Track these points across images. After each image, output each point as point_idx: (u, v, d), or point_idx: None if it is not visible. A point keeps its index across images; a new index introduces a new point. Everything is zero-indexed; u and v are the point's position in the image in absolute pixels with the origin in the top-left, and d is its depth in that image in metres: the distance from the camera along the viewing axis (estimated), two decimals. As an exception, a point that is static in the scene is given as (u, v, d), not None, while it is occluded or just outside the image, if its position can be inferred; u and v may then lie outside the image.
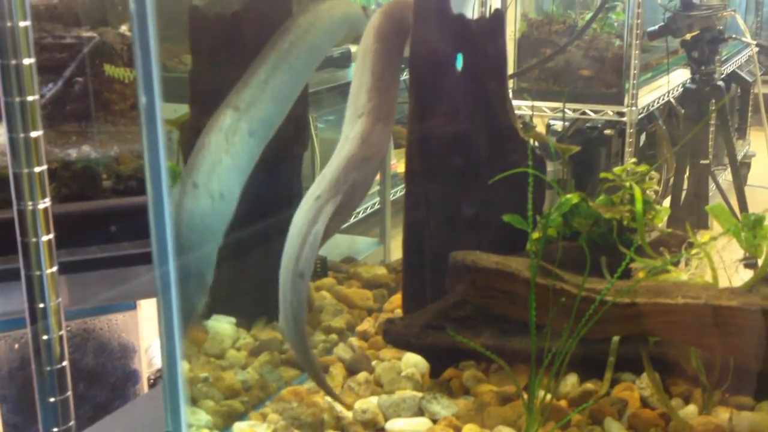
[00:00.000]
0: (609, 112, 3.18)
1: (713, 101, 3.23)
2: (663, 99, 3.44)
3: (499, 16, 1.18)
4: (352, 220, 3.21)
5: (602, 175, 1.25)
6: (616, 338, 1.15)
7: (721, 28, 3.29)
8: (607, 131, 3.26)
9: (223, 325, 1.36)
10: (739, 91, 4.45)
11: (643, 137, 3.51)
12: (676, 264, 1.18)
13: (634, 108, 3.12)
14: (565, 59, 3.28)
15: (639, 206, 1.16)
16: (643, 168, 1.24)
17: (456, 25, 1.20)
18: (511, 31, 3.34)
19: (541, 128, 3.53)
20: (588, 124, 3.42)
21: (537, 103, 3.27)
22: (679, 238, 1.21)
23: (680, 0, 3.18)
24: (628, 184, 1.21)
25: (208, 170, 1.10)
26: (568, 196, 1.24)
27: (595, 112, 3.20)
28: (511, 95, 3.56)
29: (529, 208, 1.08)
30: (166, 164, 0.89)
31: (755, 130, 4.44)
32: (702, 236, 1.17)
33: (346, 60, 3.03)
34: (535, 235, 1.19)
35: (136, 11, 0.85)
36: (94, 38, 2.02)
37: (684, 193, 3.28)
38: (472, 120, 1.24)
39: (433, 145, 1.26)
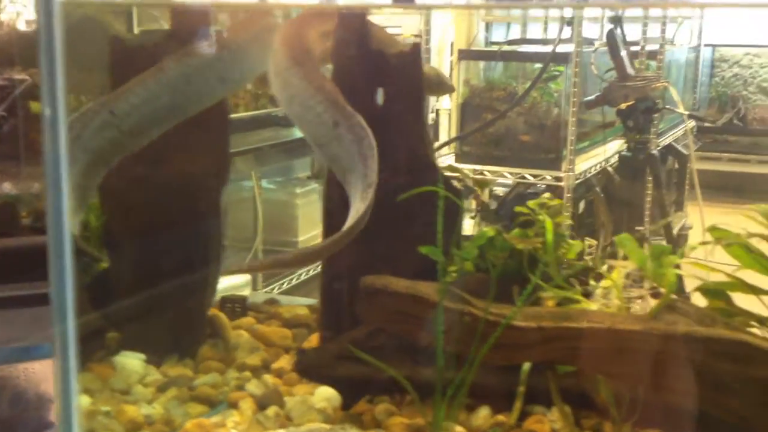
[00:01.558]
0: (547, 176, 3.24)
1: (648, 169, 3.33)
2: (600, 166, 3.53)
3: (416, 50, 1.21)
4: (295, 281, 3.19)
5: (516, 209, 1.27)
6: (525, 368, 1.14)
7: (657, 99, 3.43)
8: (546, 195, 3.32)
9: (131, 360, 1.31)
10: (676, 164, 4.60)
11: (582, 204, 3.59)
12: (588, 296, 1.19)
13: (571, 173, 3.19)
14: (506, 125, 3.37)
15: (549, 237, 1.17)
16: (556, 202, 1.26)
17: (375, 59, 1.22)
18: (455, 96, 3.43)
19: (484, 193, 3.60)
20: (530, 190, 3.49)
21: (479, 167, 3.33)
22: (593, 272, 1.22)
23: (616, 71, 3.32)
24: (540, 217, 1.23)
25: (128, 108, 1.15)
26: (484, 229, 1.25)
27: (534, 176, 3.27)
28: (453, 159, 3.62)
29: (439, 238, 1.09)
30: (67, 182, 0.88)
31: (692, 204, 4.58)
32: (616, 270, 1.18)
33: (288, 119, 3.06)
34: (453, 267, 1.20)
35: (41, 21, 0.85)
36: (26, 80, 2.02)
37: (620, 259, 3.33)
38: (390, 153, 1.25)
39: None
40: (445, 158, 3.45)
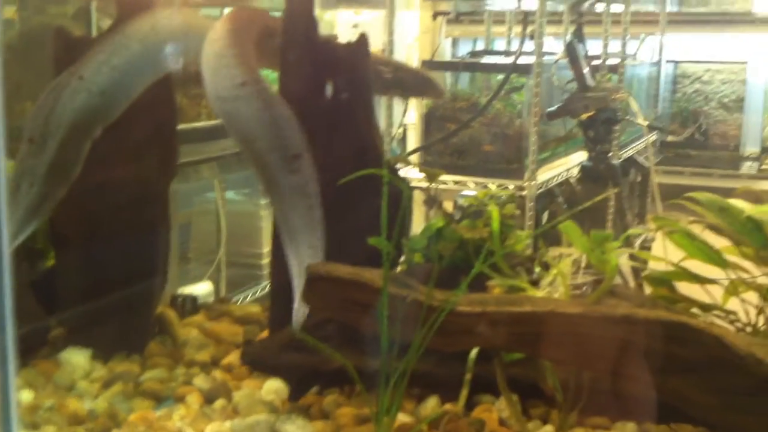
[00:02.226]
0: (510, 186, 3.27)
1: (609, 179, 3.37)
2: (562, 176, 3.57)
3: (364, 41, 1.22)
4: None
5: (465, 200, 1.27)
6: (473, 355, 1.14)
7: (617, 110, 3.48)
8: (510, 205, 3.34)
9: (76, 356, 1.29)
10: (639, 177, 4.66)
11: (545, 215, 3.62)
12: (535, 284, 1.20)
13: (533, 183, 3.21)
14: (469, 135, 3.39)
15: (495, 225, 1.18)
16: (505, 192, 1.27)
17: (323, 50, 1.23)
18: (419, 106, 3.45)
19: (448, 203, 3.61)
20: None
21: (443, 177, 3.34)
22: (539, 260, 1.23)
23: (576, 82, 3.36)
24: (489, 207, 1.23)
25: (95, 66, 1.14)
26: (433, 221, 1.26)
27: (497, 186, 3.29)
28: (418, 170, 3.62)
29: (383, 227, 1.09)
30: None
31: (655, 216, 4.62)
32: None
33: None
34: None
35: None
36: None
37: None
38: (339, 145, 1.25)
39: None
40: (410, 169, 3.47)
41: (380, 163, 1.25)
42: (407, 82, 1.55)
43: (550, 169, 3.61)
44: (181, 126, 2.68)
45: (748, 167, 5.36)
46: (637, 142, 4.41)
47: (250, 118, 1.08)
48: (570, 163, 3.66)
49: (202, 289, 2.06)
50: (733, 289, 1.20)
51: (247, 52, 1.11)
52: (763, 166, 5.19)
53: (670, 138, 5.48)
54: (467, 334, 1.06)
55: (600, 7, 3.91)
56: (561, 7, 4.21)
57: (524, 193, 3.23)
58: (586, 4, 3.56)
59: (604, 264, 1.09)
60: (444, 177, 3.45)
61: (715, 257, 1.16)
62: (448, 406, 1.15)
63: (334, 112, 1.22)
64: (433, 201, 3.32)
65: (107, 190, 1.31)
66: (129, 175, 1.29)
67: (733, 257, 1.18)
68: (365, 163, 1.25)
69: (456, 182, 3.35)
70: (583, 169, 3.42)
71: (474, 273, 1.04)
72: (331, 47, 1.21)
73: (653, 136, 4.74)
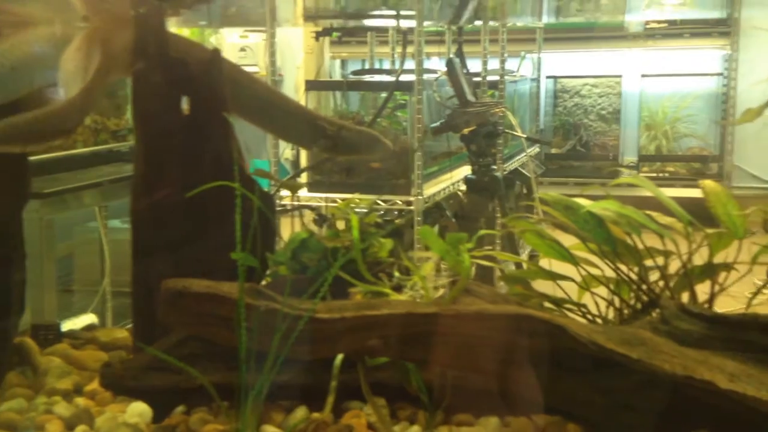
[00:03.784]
0: (398, 201, 3.32)
1: (493, 191, 3.47)
2: (448, 190, 3.65)
3: (216, 55, 1.22)
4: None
5: (332, 210, 1.29)
6: (338, 362, 1.15)
7: (497, 124, 3.60)
8: (398, 221, 3.40)
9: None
10: (524, 188, 4.83)
11: (436, 228, 3.69)
12: (398, 289, 1.22)
13: (420, 197, 3.28)
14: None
15: (355, 233, 1.20)
16: (364, 201, 1.29)
17: (175, 65, 1.22)
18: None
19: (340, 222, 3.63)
20: (384, 215, 3.55)
21: (331, 195, 3.36)
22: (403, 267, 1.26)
23: (457, 98, 3.47)
24: (350, 215, 1.26)
25: None
26: (298, 232, 1.27)
27: (386, 202, 3.34)
28: (306, 189, 3.62)
29: (237, 240, 1.09)
30: None
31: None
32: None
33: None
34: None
35: None
36: None
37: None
38: (196, 160, 1.24)
39: (158, 187, 1.25)
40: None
41: (241, 180, 1.25)
42: (352, 142, 1.59)
43: (437, 183, 3.69)
44: (59, 153, 2.59)
45: (626, 175, 5.62)
46: (521, 155, 4.56)
47: None
48: (457, 177, 3.76)
49: (84, 321, 1.99)
50: (585, 284, 1.26)
51: (89, 68, 1.09)
52: (641, 174, 5.48)
53: (553, 150, 5.71)
54: (328, 341, 1.07)
55: (480, 25, 4.05)
56: (443, 28, 4.33)
57: (412, 207, 3.30)
58: (464, 20, 3.67)
59: (459, 265, 1.13)
60: (333, 195, 3.48)
61: (564, 254, 1.22)
62: (315, 415, 1.16)
63: (187, 127, 1.22)
64: (323, 219, 3.33)
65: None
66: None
67: (582, 253, 1.25)
68: (221, 178, 1.26)
69: (344, 200, 3.38)
70: (468, 181, 3.52)
71: (329, 280, 1.06)
72: (184, 62, 1.21)
73: (536, 149, 4.93)
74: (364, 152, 1.72)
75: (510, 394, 1.12)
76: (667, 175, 5.34)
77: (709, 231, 1.13)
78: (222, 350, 1.15)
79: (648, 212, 1.23)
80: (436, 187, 3.59)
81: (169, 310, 1.06)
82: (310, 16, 3.27)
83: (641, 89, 5.57)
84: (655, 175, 5.36)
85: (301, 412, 1.17)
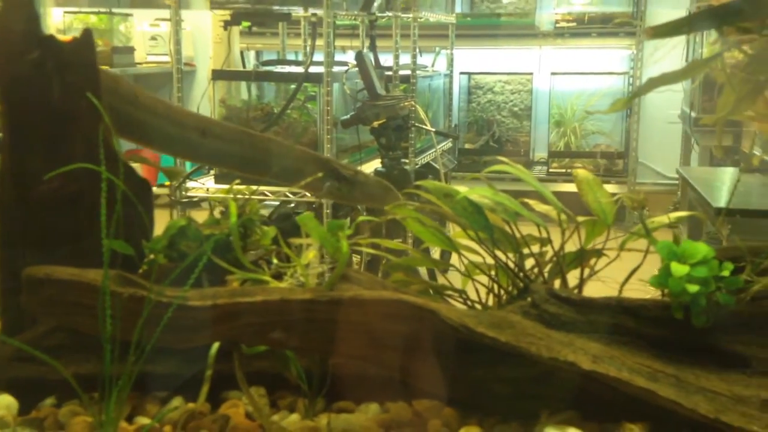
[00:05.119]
0: (307, 194, 3.30)
1: (402, 184, 3.49)
2: (360, 183, 3.65)
3: (88, 35, 1.18)
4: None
5: (211, 198, 1.27)
6: (213, 351, 1.13)
7: (407, 117, 3.62)
8: (307, 212, 3.38)
9: None
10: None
11: (348, 220, 3.69)
12: (278, 277, 1.21)
13: (329, 189, 3.26)
14: (264, 145, 3.39)
15: (233, 220, 1.18)
16: (246, 188, 1.27)
17: (46, 47, 1.17)
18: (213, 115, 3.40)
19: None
20: (293, 206, 3.53)
21: (238, 187, 3.31)
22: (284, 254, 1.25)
23: (366, 91, 3.47)
24: (230, 203, 1.23)
25: None
26: (176, 219, 1.24)
27: (294, 194, 3.31)
28: (213, 181, 3.54)
29: (102, 226, 1.05)
30: None
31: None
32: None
33: None
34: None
35: None
36: None
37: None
38: (68, 144, 1.20)
39: (28, 173, 1.19)
40: (206, 180, 3.41)
41: (113, 165, 1.21)
42: (368, 190, 1.57)
43: (348, 176, 3.68)
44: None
45: (537, 171, 5.77)
46: (432, 150, 4.61)
47: None
48: (368, 170, 3.77)
49: None
50: (468, 272, 1.28)
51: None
52: (551, 170, 5.62)
53: (467, 145, 5.80)
54: (201, 329, 1.05)
55: (392, 19, 4.06)
56: (357, 21, 4.33)
57: (321, 200, 3.28)
58: (374, 7, 3.68)
59: (338, 252, 1.13)
60: (241, 188, 3.43)
61: (446, 241, 1.23)
62: (191, 405, 1.13)
63: (60, 112, 1.17)
64: (175, 203, 3.29)
65: None
66: None
67: (466, 241, 1.26)
68: (95, 162, 1.21)
69: (253, 193, 3.33)
70: (377, 174, 3.53)
71: (200, 268, 1.03)
72: (54, 43, 1.16)
73: (449, 144, 4.99)
74: (377, 202, 1.70)
75: (390, 380, 1.13)
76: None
77: (581, 219, 1.16)
78: (94, 341, 1.11)
79: (527, 200, 1.26)
80: (346, 180, 3.58)
81: (31, 299, 1.02)
82: (217, 3, 3.21)
83: (551, 87, 5.71)
84: (564, 170, 5.51)
85: (176, 403, 1.15)
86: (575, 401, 1.04)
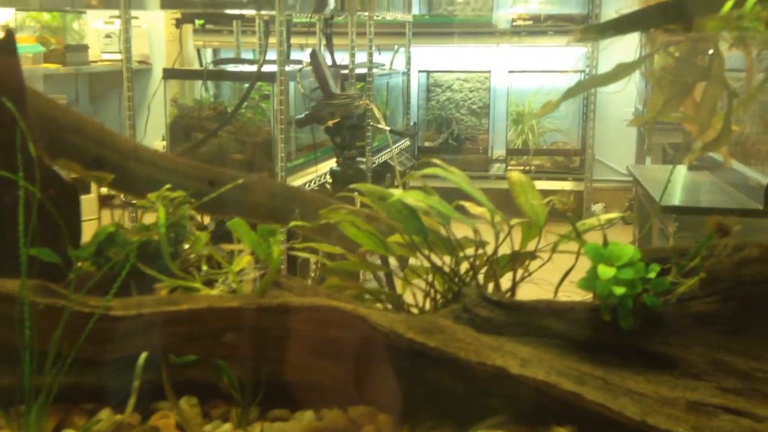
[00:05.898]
0: (261, 194, 3.27)
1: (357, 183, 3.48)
2: (316, 181, 3.64)
3: (9, 36, 1.15)
4: None
5: (140, 203, 1.24)
6: (141, 361, 1.11)
7: (361, 116, 3.61)
8: (185, 206, 3.34)
9: None
10: (395, 182, 4.86)
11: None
12: (210, 284, 1.19)
13: (283, 189, 3.24)
14: (218, 143, 3.35)
15: (162, 226, 1.15)
16: (178, 194, 1.25)
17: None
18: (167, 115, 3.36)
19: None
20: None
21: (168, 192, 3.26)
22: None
23: (321, 90, 3.45)
24: (158, 207, 1.21)
25: None
26: (105, 225, 1.21)
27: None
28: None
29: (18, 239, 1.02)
30: None
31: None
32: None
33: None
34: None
35: None
36: None
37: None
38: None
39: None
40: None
41: (42, 171, 1.17)
42: None
43: (304, 175, 3.67)
44: None
45: (496, 168, 5.80)
46: (389, 149, 4.60)
47: None
48: (324, 170, 3.75)
49: None
50: (406, 277, 1.27)
51: None
52: (509, 167, 5.65)
53: (426, 144, 5.80)
54: (124, 339, 1.02)
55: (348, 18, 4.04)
56: (313, 19, 4.30)
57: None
58: (327, 10, 3.65)
59: (269, 257, 1.11)
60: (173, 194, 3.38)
61: (382, 245, 1.22)
62: (119, 416, 1.11)
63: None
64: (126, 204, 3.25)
65: None
66: None
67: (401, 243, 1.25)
68: (13, 170, 1.18)
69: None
70: (333, 173, 3.51)
71: (123, 277, 1.01)
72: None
73: (407, 142, 4.99)
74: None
75: (324, 387, 1.11)
76: (533, 168, 5.53)
77: (514, 221, 1.16)
78: (16, 353, 1.08)
79: (463, 203, 1.26)
80: (302, 180, 3.56)
81: (-53, 311, 0.99)
82: (166, 3, 3.16)
83: (509, 85, 5.74)
84: (522, 168, 5.54)
85: (104, 414, 1.12)
86: (507, 405, 1.04)
